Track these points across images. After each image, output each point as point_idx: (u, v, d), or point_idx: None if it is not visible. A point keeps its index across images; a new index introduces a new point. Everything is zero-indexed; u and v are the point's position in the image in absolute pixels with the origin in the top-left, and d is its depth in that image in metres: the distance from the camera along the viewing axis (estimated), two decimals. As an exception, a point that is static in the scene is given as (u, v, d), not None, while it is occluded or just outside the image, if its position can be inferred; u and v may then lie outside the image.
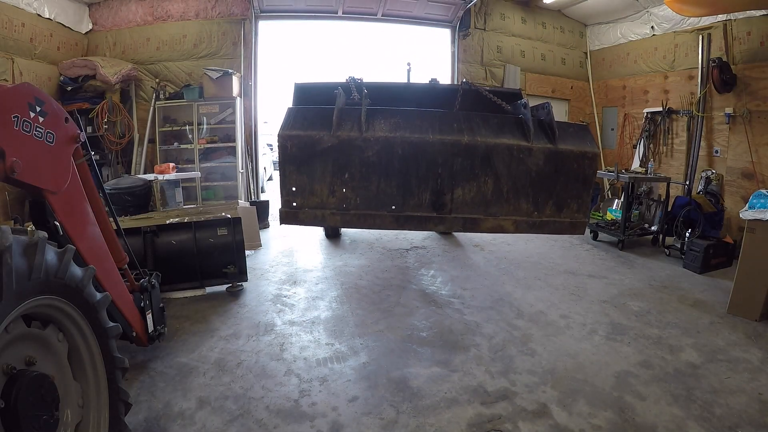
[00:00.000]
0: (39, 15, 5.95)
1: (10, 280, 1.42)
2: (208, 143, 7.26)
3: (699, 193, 6.41)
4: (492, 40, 8.41)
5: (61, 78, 6.46)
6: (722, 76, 6.01)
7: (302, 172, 2.35)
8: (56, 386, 1.68)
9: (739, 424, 2.45)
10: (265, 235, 6.37)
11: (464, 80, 2.90)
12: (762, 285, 3.76)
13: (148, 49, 7.20)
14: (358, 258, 5.53)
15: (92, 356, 1.90)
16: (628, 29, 7.98)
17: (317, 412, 2.55)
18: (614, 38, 8.35)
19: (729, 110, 6.13)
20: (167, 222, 4.11)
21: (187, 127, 7.18)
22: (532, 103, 2.86)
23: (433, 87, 3.78)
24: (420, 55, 8.10)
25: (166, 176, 6.37)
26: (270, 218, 7.13)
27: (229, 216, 4.21)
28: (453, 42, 8.32)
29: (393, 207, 2.47)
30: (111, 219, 2.63)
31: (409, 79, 5.13)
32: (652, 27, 7.40)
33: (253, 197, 7.64)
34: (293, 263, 5.32)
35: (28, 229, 1.60)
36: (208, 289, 4.24)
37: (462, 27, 8.18)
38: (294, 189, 2.39)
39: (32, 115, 1.84)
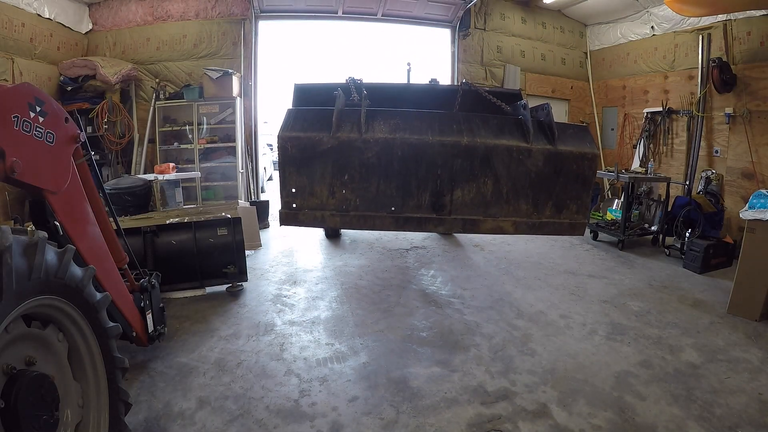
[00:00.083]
0: (39, 15, 5.95)
1: (10, 280, 1.42)
2: (208, 143, 7.26)
3: (699, 193, 6.41)
4: (492, 40, 8.41)
5: (61, 78, 6.46)
6: (722, 76, 6.01)
7: (302, 174, 2.36)
8: (56, 386, 1.68)
9: (739, 424, 2.45)
10: (265, 235, 6.37)
11: (464, 81, 2.90)
12: (762, 285, 3.76)
13: (148, 49, 7.20)
14: (358, 258, 5.53)
15: (92, 356, 1.90)
16: (628, 29, 7.98)
17: (317, 412, 2.55)
18: (614, 38, 8.35)
19: (729, 110, 6.13)
20: (167, 222, 4.11)
21: (187, 127, 7.18)
22: (532, 103, 2.86)
23: (433, 88, 3.78)
24: (420, 55, 8.11)
25: (166, 176, 6.37)
26: (270, 218, 7.13)
27: (229, 216, 4.21)
28: (453, 42, 8.32)
29: (393, 208, 2.47)
30: (111, 219, 2.63)
31: (409, 79, 5.13)
32: (652, 27, 7.40)
33: (253, 197, 7.64)
34: (293, 263, 5.32)
35: (28, 229, 1.60)
36: (208, 289, 4.24)
37: (462, 27, 8.18)
38: (294, 190, 2.39)
39: (32, 115, 1.84)
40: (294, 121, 2.35)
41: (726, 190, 6.31)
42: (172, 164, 6.69)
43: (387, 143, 2.35)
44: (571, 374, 2.96)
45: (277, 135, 2.33)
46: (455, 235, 6.52)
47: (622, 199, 6.56)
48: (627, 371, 3.00)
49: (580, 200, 2.61)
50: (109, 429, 1.92)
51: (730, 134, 6.24)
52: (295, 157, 2.33)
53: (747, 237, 3.91)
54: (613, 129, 8.68)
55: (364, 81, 3.33)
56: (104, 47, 7.10)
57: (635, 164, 7.56)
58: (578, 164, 2.53)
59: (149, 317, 2.85)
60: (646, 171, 6.29)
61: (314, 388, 2.78)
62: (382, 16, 7.91)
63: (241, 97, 7.28)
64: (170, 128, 7.22)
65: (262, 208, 6.84)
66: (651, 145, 7.55)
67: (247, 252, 4.49)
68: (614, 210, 7.34)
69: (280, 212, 2.43)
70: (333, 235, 6.37)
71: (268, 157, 12.31)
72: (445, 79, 8.31)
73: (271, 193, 9.18)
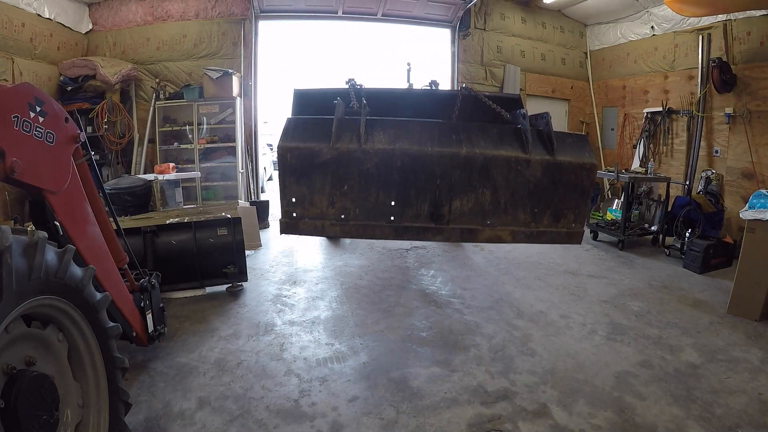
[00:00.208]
0: (39, 15, 5.95)
1: (10, 280, 1.42)
2: (208, 143, 7.26)
3: (699, 193, 6.41)
4: (492, 40, 8.41)
5: (61, 78, 6.46)
6: (722, 76, 6.01)
7: (302, 184, 2.37)
8: (56, 386, 1.68)
9: (739, 424, 2.45)
10: (265, 235, 6.37)
11: (463, 85, 2.90)
12: (762, 285, 3.76)
13: (148, 49, 7.20)
14: (358, 258, 5.53)
15: (92, 356, 1.90)
16: (628, 29, 7.98)
17: (317, 412, 2.55)
18: (614, 38, 8.35)
19: (729, 110, 6.13)
20: (167, 222, 4.11)
21: (187, 127, 7.18)
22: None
23: (433, 93, 3.78)
24: (420, 55, 8.11)
25: (166, 176, 6.37)
26: (270, 218, 7.13)
27: (229, 216, 4.21)
28: (453, 42, 8.32)
29: (392, 218, 2.48)
30: (111, 219, 2.63)
31: (408, 79, 5.14)
32: (652, 27, 7.40)
33: (253, 197, 7.64)
34: (293, 263, 5.32)
35: (28, 229, 1.60)
36: (208, 289, 4.24)
37: (462, 27, 8.18)
38: (294, 200, 2.40)
39: (32, 115, 1.84)
40: (293, 130, 2.35)
41: (726, 190, 6.31)
42: (172, 164, 6.69)
43: (386, 154, 2.36)
44: (571, 374, 2.96)
45: (277, 145, 2.34)
46: (455, 235, 6.51)
47: (622, 199, 6.56)
48: (627, 371, 3.00)
49: (578, 210, 2.62)
50: (109, 429, 1.92)
51: (730, 134, 6.24)
52: (294, 167, 2.34)
53: (747, 237, 3.91)
54: (613, 129, 8.68)
55: (364, 86, 3.32)
56: (104, 47, 7.10)
57: (635, 164, 7.56)
58: (576, 174, 2.54)
59: (149, 317, 2.86)
60: (646, 171, 6.29)
61: (314, 388, 2.78)
62: (382, 16, 7.90)
63: (241, 97, 7.28)
64: (170, 128, 7.21)
65: (262, 208, 6.84)
66: (651, 145, 7.55)
67: (247, 252, 4.49)
68: (614, 210, 7.34)
69: (281, 221, 2.44)
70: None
71: (268, 157, 12.30)
72: (445, 80, 8.31)
73: (271, 193, 9.19)
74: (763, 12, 5.62)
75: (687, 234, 5.46)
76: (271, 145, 12.96)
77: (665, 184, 6.17)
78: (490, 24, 8.37)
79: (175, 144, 7.21)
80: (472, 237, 2.62)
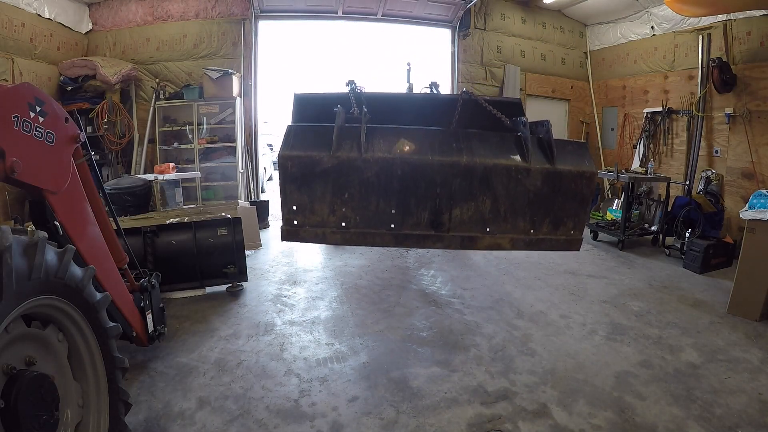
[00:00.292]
0: (39, 15, 5.95)
1: (10, 280, 1.42)
2: (208, 143, 7.26)
3: (699, 193, 6.41)
4: (492, 40, 8.40)
5: (61, 78, 6.46)
6: (722, 76, 6.01)
7: (302, 192, 2.38)
8: (56, 386, 1.68)
9: (739, 424, 2.45)
10: (265, 235, 6.37)
11: (464, 90, 2.90)
12: (762, 285, 3.76)
13: (148, 49, 7.20)
14: (358, 258, 5.53)
15: (92, 356, 1.90)
16: (628, 29, 7.98)
17: (317, 412, 2.55)
18: (614, 38, 8.35)
19: (729, 110, 6.13)
20: (167, 222, 4.11)
21: (187, 127, 7.17)
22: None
23: (433, 98, 3.80)
24: (420, 55, 8.10)
25: (166, 176, 6.37)
26: (270, 218, 7.13)
27: (229, 216, 4.21)
28: (453, 42, 8.31)
29: (392, 225, 2.50)
30: (111, 219, 2.64)
31: (408, 79, 5.15)
32: (652, 27, 7.40)
33: (253, 197, 7.64)
34: (293, 263, 5.32)
35: (28, 229, 1.60)
36: (208, 289, 4.24)
37: (462, 27, 8.17)
38: (295, 208, 2.42)
39: (32, 115, 1.84)
40: (294, 139, 2.37)
41: (726, 190, 6.31)
42: (172, 164, 6.68)
43: (387, 163, 2.37)
44: (571, 374, 2.96)
45: (278, 154, 2.36)
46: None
47: (622, 199, 6.56)
48: (627, 371, 3.00)
49: (577, 217, 2.63)
50: (109, 429, 1.92)
51: (730, 134, 6.24)
52: (295, 175, 2.35)
53: (747, 237, 3.91)
54: (613, 129, 8.68)
55: (364, 89, 3.33)
56: (104, 47, 7.10)
57: (635, 164, 7.56)
58: (576, 183, 2.56)
59: (149, 317, 2.86)
60: (646, 171, 6.30)
61: (314, 388, 2.78)
62: (382, 16, 7.90)
63: (241, 97, 7.28)
64: (170, 128, 7.21)
65: (262, 208, 6.84)
66: (651, 145, 7.55)
67: (247, 252, 4.49)
68: (614, 210, 7.34)
69: (282, 229, 2.46)
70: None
71: (268, 157, 12.31)
72: (445, 80, 8.31)
73: (271, 193, 9.19)
74: (763, 12, 5.62)
75: (687, 234, 5.46)
76: (271, 145, 12.97)
77: (665, 184, 6.17)
78: (490, 24, 8.37)
79: (175, 144, 7.21)
80: (471, 244, 2.63)
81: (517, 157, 2.50)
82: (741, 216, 4.01)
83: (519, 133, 2.55)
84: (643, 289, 4.54)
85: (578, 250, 2.75)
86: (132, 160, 7.06)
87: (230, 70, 6.96)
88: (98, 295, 1.93)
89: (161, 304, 3.03)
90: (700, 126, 6.56)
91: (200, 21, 7.29)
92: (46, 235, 1.64)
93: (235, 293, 4.28)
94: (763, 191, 4.00)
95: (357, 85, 3.42)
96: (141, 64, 7.10)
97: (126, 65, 6.73)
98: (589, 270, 5.15)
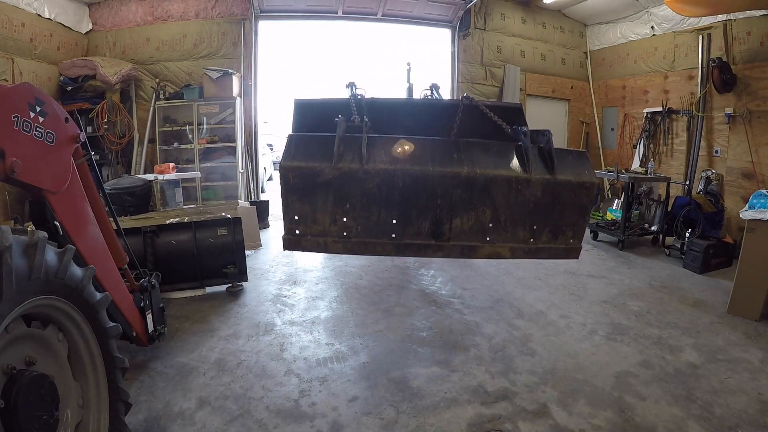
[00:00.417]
0: (39, 15, 5.95)
1: (10, 280, 1.42)
2: (208, 143, 7.26)
3: (699, 193, 6.41)
4: (492, 40, 8.40)
5: (61, 78, 6.46)
6: (722, 76, 6.01)
7: (304, 202, 2.40)
8: (56, 386, 1.68)
9: (739, 424, 2.45)
10: (265, 235, 6.37)
11: (465, 95, 2.90)
12: (762, 285, 3.76)
13: (148, 49, 7.20)
14: (358, 258, 5.53)
15: (92, 356, 1.90)
16: (628, 29, 7.98)
17: (317, 412, 2.55)
18: (614, 38, 8.35)
19: (729, 110, 6.13)
20: (167, 222, 4.11)
21: (187, 127, 7.17)
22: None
23: (434, 103, 3.81)
24: (420, 55, 8.10)
25: (166, 176, 6.37)
26: (270, 218, 7.13)
27: (229, 216, 4.21)
28: (453, 42, 8.31)
29: (393, 235, 2.51)
30: (111, 219, 2.64)
31: (408, 79, 5.15)
32: (652, 27, 7.40)
33: (253, 197, 7.64)
34: (293, 263, 5.32)
35: (28, 229, 1.60)
36: (208, 289, 4.24)
37: (462, 27, 8.18)
38: (297, 218, 2.44)
39: (32, 115, 1.84)
40: (296, 149, 2.38)
41: (726, 190, 6.31)
42: (172, 164, 6.68)
43: (388, 174, 2.38)
44: (571, 374, 2.96)
45: (280, 164, 2.39)
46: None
47: (622, 199, 6.56)
48: (627, 371, 3.00)
49: (577, 226, 2.65)
50: (109, 429, 1.93)
51: (730, 134, 6.24)
52: (297, 186, 2.37)
53: (747, 237, 3.91)
54: (613, 129, 8.68)
55: (365, 92, 3.34)
56: (104, 47, 7.10)
57: (635, 164, 7.56)
58: (576, 193, 2.57)
59: (149, 317, 2.86)
60: (646, 171, 6.30)
61: (314, 388, 2.78)
62: (382, 16, 7.90)
63: (241, 97, 7.28)
64: (170, 128, 7.21)
65: (262, 208, 6.84)
66: (651, 145, 7.55)
67: (247, 252, 4.49)
68: (614, 210, 7.34)
69: (284, 238, 2.49)
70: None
71: (268, 157, 12.31)
72: (445, 80, 8.31)
73: (271, 193, 9.19)
74: (763, 12, 5.62)
75: (687, 234, 5.46)
76: (271, 145, 12.98)
77: (665, 184, 6.17)
78: (490, 24, 8.37)
79: (175, 144, 7.21)
80: (471, 253, 2.65)
81: (518, 168, 2.50)
82: (741, 216, 4.01)
83: (520, 143, 2.56)
84: (643, 289, 4.54)
85: (577, 258, 2.75)
86: (132, 160, 7.06)
87: (230, 70, 6.97)
88: (98, 295, 1.93)
89: (161, 304, 3.03)
90: (700, 126, 6.56)
91: (200, 21, 7.29)
92: (46, 235, 1.64)
93: (235, 293, 4.28)
94: (763, 191, 4.00)
95: (357, 88, 3.42)
96: (141, 64, 7.10)
97: (126, 65, 6.73)
98: (589, 270, 5.15)
